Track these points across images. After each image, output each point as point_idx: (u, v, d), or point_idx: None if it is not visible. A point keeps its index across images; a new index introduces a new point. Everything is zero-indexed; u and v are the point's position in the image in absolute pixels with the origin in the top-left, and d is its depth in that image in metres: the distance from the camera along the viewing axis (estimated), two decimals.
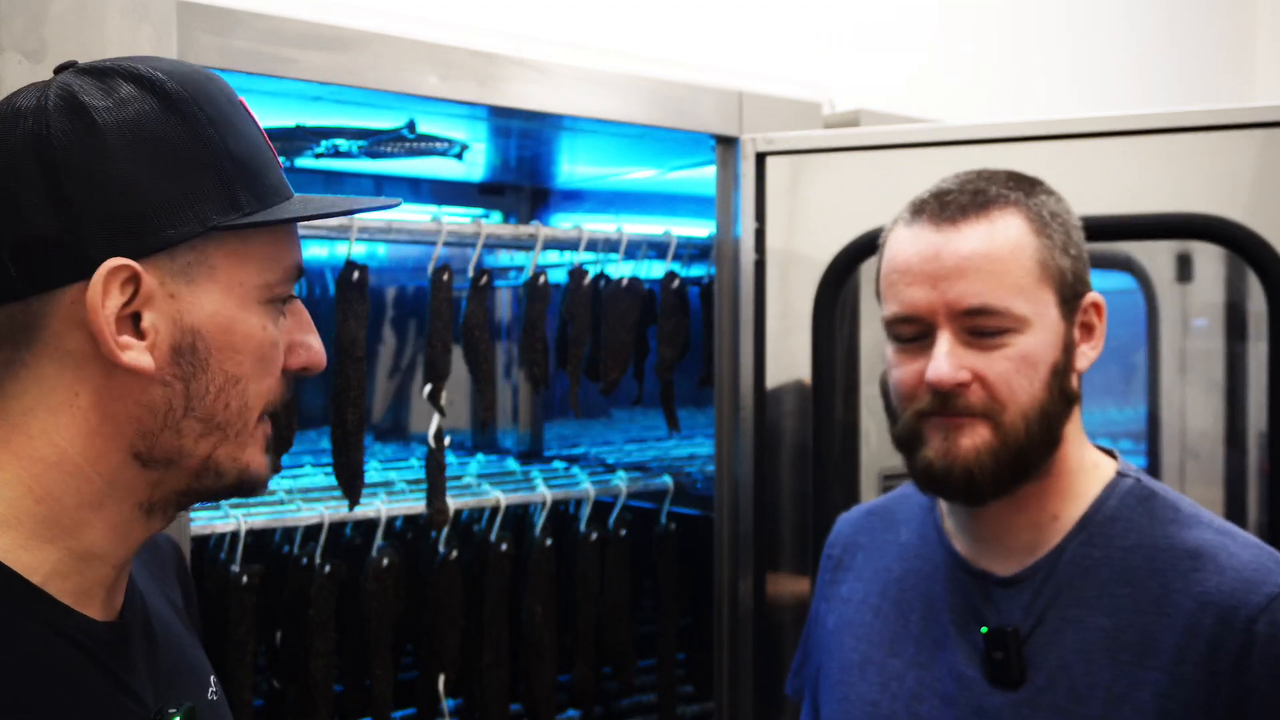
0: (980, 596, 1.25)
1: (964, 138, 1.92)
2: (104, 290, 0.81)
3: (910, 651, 1.29)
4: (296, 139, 2.01)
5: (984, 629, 1.23)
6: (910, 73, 2.68)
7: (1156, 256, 2.19)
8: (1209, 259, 2.12)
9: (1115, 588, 1.19)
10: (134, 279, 0.82)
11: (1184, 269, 2.19)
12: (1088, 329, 1.23)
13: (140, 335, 0.83)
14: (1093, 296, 1.23)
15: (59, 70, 0.88)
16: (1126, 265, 2.22)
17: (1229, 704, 1.12)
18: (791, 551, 2.10)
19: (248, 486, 0.92)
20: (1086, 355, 1.23)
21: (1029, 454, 1.19)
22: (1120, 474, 1.25)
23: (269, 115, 1.95)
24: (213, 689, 1.00)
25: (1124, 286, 2.26)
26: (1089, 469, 1.26)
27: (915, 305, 1.20)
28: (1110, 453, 1.29)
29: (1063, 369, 1.21)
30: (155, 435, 0.85)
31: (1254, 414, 2.05)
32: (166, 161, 0.84)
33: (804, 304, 1.98)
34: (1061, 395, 1.21)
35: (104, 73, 0.86)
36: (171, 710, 0.89)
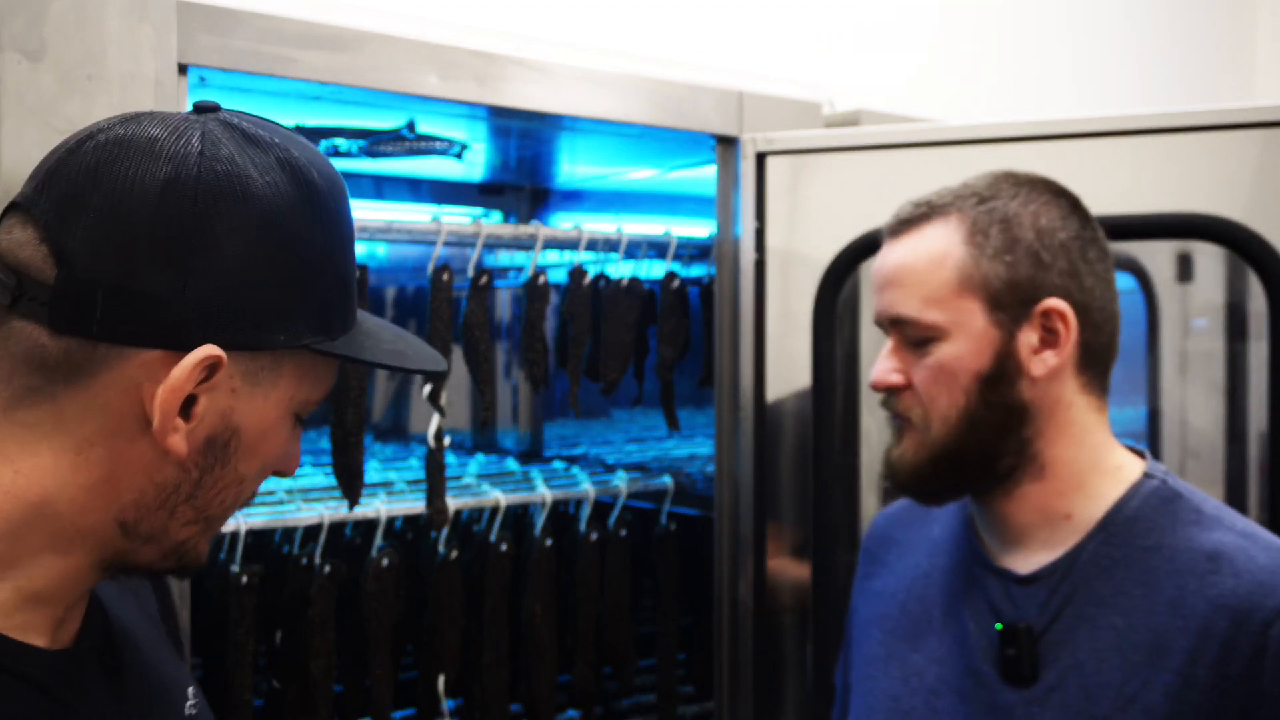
0: (999, 593, 1.26)
1: (964, 138, 1.92)
2: (188, 372, 0.78)
3: (931, 646, 1.30)
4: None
5: (998, 625, 1.23)
6: (910, 73, 2.68)
7: (1156, 256, 2.19)
8: (1209, 259, 2.12)
9: (1131, 588, 1.19)
10: (213, 368, 0.80)
11: (1184, 269, 2.19)
12: (1051, 334, 1.22)
13: (187, 419, 0.81)
14: (1050, 302, 1.21)
15: (202, 109, 0.84)
16: (1126, 265, 2.22)
17: (1240, 708, 1.12)
18: (791, 552, 2.10)
19: (190, 572, 0.89)
20: (1046, 362, 1.22)
21: (953, 459, 1.23)
22: (1146, 475, 1.25)
23: (269, 115, 1.94)
24: (191, 702, 0.97)
25: (1124, 286, 2.25)
26: (1108, 470, 1.25)
27: (874, 311, 1.29)
28: (1141, 454, 1.29)
29: (993, 377, 1.21)
30: (149, 510, 0.83)
31: (1254, 414, 2.05)
32: (291, 268, 0.82)
33: (804, 304, 1.98)
34: (993, 404, 1.21)
35: (259, 143, 0.83)
36: None
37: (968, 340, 1.21)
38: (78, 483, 0.81)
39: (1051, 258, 1.22)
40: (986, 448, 1.23)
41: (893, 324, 1.26)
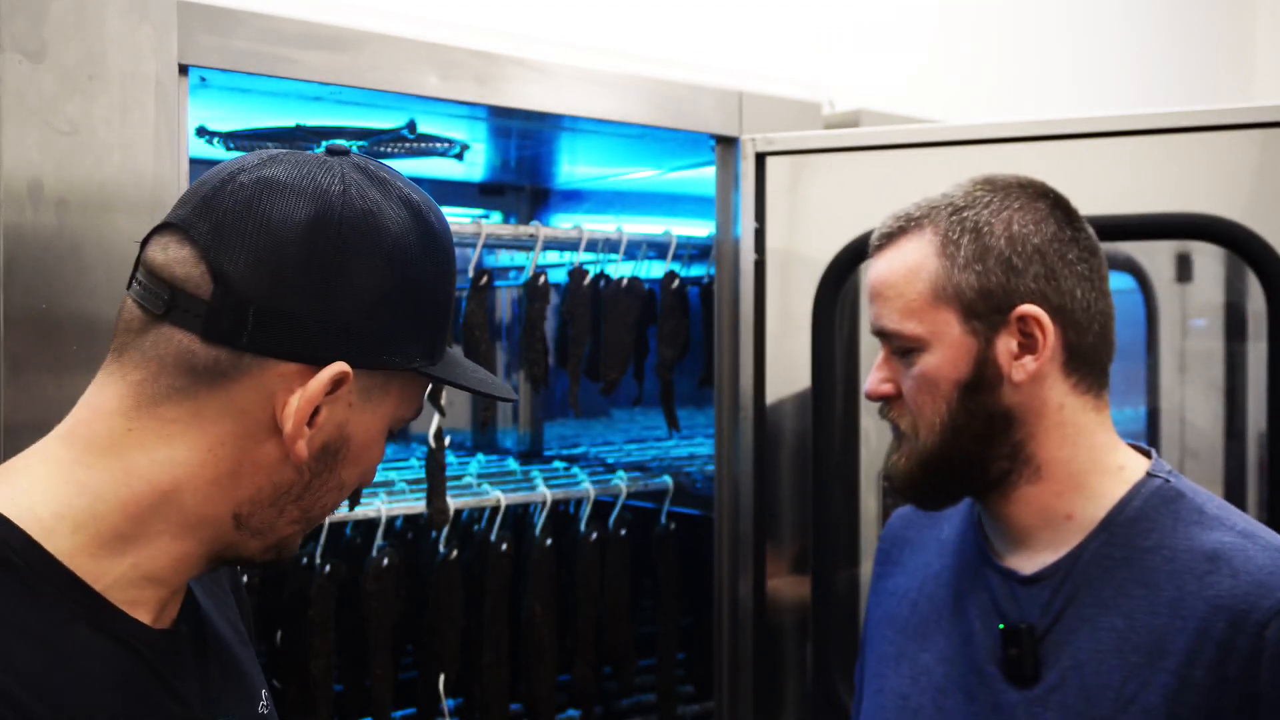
0: (1003, 593, 1.26)
1: (964, 138, 1.92)
2: (323, 385, 0.88)
3: (940, 645, 1.31)
4: (296, 139, 2.01)
5: (1000, 625, 1.24)
6: (910, 73, 2.68)
7: (1156, 256, 2.19)
8: (1209, 259, 2.12)
9: (1131, 588, 1.19)
10: (338, 382, 0.89)
11: (1184, 269, 2.19)
12: (1030, 339, 1.23)
13: (310, 426, 0.89)
14: (1025, 309, 1.22)
15: (335, 152, 0.94)
16: (1126, 265, 2.22)
17: (1237, 709, 1.12)
18: (791, 552, 2.11)
19: (276, 567, 1.03)
20: (1026, 367, 1.22)
21: (941, 466, 1.25)
22: (1150, 474, 1.25)
23: (269, 115, 1.95)
24: (264, 703, 1.03)
25: (1124, 286, 2.25)
26: (1109, 471, 1.26)
27: (870, 324, 1.32)
28: (1146, 452, 1.29)
29: (973, 385, 1.23)
30: (262, 507, 0.91)
31: (1254, 414, 2.05)
32: (411, 296, 0.91)
33: (804, 304, 1.98)
34: (975, 411, 1.23)
35: (386, 185, 0.92)
36: (224, 719, 0.93)
37: (946, 350, 1.23)
38: (205, 476, 0.89)
39: (1024, 264, 1.22)
40: (974, 454, 1.24)
41: (880, 336, 1.29)
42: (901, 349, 1.26)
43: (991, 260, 1.22)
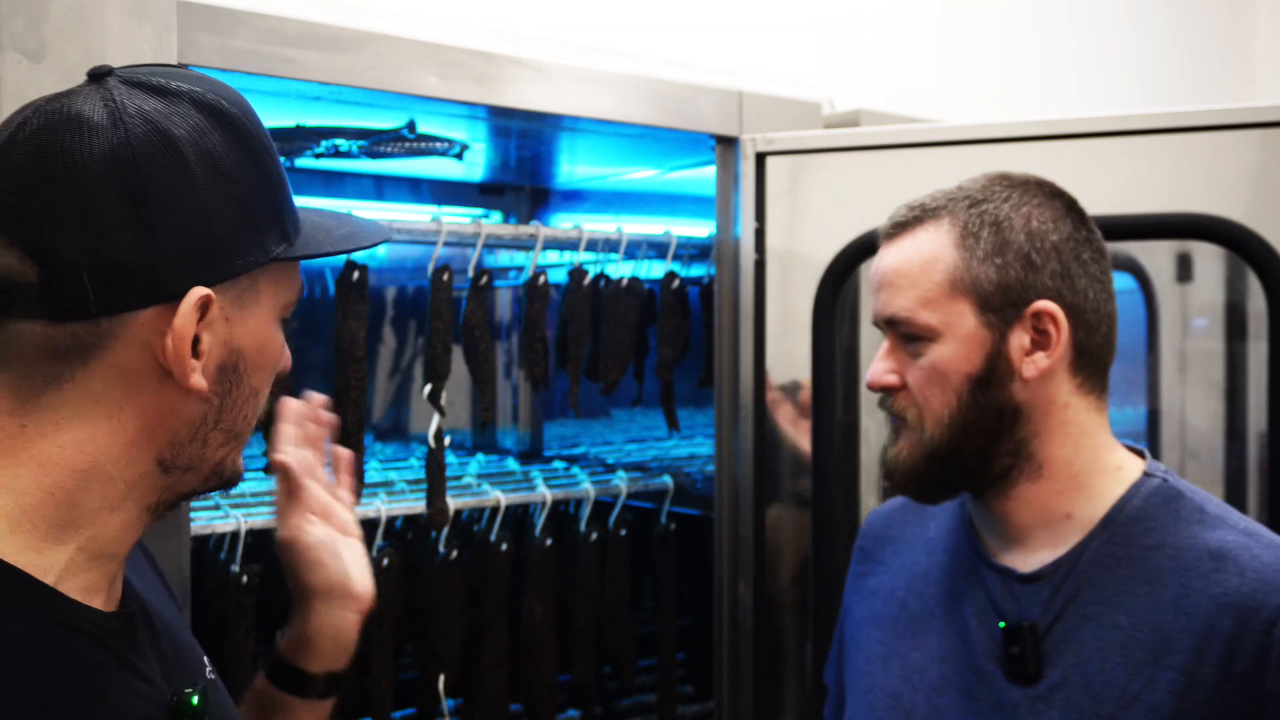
0: (1002, 591, 1.26)
1: (964, 138, 1.92)
2: (187, 317, 0.85)
3: (933, 644, 1.30)
4: (296, 139, 2.01)
5: (1001, 624, 1.23)
6: (910, 72, 2.68)
7: (1156, 256, 2.19)
8: (1209, 259, 2.12)
9: (1135, 586, 1.20)
10: (205, 305, 0.87)
11: (1184, 269, 2.19)
12: (1043, 336, 1.23)
13: (197, 357, 0.88)
14: (1041, 305, 1.22)
15: (96, 76, 0.88)
16: (1126, 265, 2.22)
17: (1245, 707, 1.12)
18: (791, 552, 2.10)
19: (234, 484, 0.98)
20: (1037, 363, 1.22)
21: (948, 459, 1.25)
22: (1147, 474, 1.26)
23: (269, 115, 1.94)
24: (209, 669, 1.03)
25: (1124, 286, 2.25)
26: (1108, 470, 1.26)
27: (872, 313, 1.31)
28: (1141, 453, 1.29)
29: (984, 379, 1.22)
30: (184, 445, 0.90)
31: (1254, 414, 2.05)
32: (239, 193, 0.88)
33: (804, 304, 1.98)
34: (985, 405, 1.22)
35: (166, 93, 0.87)
36: (188, 690, 0.92)
37: (959, 342, 1.23)
38: (117, 443, 0.88)
39: (1043, 260, 1.22)
40: (980, 448, 1.24)
41: (888, 324, 1.27)
42: (910, 338, 1.25)
43: (1011, 254, 1.22)
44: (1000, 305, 1.22)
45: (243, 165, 0.89)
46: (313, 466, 1.23)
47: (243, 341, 0.91)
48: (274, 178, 0.92)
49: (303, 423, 1.23)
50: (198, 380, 0.87)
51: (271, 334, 0.94)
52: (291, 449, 1.21)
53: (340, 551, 1.20)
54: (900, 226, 1.28)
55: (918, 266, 1.24)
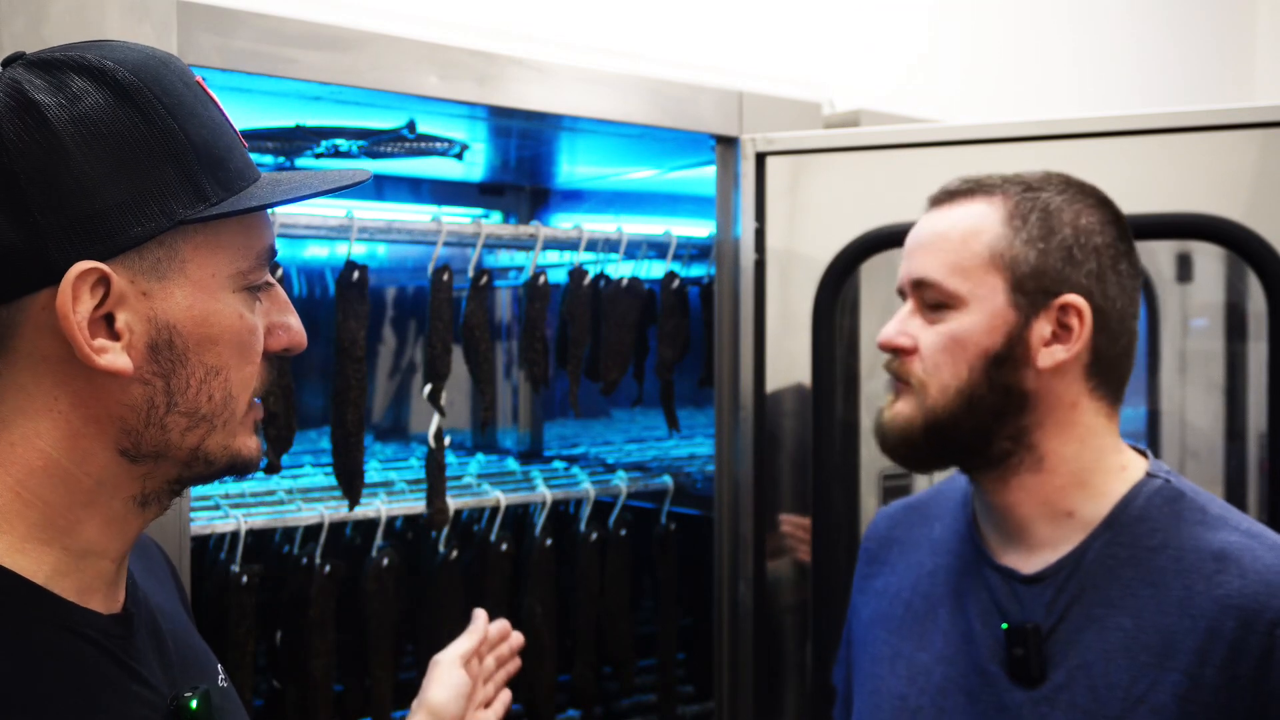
0: (1005, 592, 1.26)
1: (964, 138, 1.92)
2: (73, 295, 0.80)
3: (938, 646, 1.30)
4: (296, 139, 2.01)
5: (1004, 625, 1.23)
6: (910, 73, 2.68)
7: (1156, 256, 2.19)
8: (1209, 259, 2.12)
9: (1138, 588, 1.20)
10: (104, 281, 0.81)
11: (1184, 269, 2.19)
12: (1065, 329, 1.23)
13: (115, 336, 0.82)
14: (1070, 297, 1.22)
15: (7, 63, 0.85)
16: None
17: (1249, 708, 1.12)
18: (791, 552, 2.10)
19: (239, 469, 0.91)
20: (1054, 355, 1.23)
21: (945, 431, 1.24)
22: (1150, 474, 1.26)
23: (269, 115, 1.95)
24: (222, 676, 1.01)
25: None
26: (1112, 469, 1.26)
27: (899, 276, 1.31)
28: (1144, 453, 1.30)
29: (1000, 358, 1.22)
30: (140, 432, 0.85)
31: (1254, 414, 2.05)
32: (125, 157, 0.81)
33: (804, 304, 1.98)
34: (994, 384, 1.23)
35: (53, 65, 0.82)
36: (187, 694, 0.90)
37: (983, 315, 1.23)
38: (64, 435, 0.84)
39: (1083, 257, 1.23)
40: (979, 427, 1.24)
41: (915, 287, 1.28)
42: (934, 303, 1.25)
43: (1054, 243, 1.23)
44: (1032, 290, 1.23)
45: (133, 128, 0.82)
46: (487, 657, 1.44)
47: (172, 316, 0.84)
48: (184, 138, 0.84)
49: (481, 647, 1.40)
50: (109, 361, 0.81)
51: (214, 306, 0.85)
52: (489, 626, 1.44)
53: (465, 702, 1.38)
54: (950, 195, 1.29)
55: (960, 234, 1.25)
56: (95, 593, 0.87)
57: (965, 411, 1.24)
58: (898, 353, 1.28)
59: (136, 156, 0.82)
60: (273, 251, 0.91)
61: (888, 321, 1.30)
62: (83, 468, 0.84)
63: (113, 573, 0.89)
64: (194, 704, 0.89)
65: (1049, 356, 1.23)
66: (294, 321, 0.92)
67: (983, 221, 1.25)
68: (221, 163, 0.86)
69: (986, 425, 1.24)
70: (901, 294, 1.31)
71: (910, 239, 1.31)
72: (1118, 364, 1.27)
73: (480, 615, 1.47)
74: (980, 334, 1.23)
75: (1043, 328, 1.23)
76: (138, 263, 0.82)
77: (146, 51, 0.86)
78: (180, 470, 0.88)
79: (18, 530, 0.84)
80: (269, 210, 0.90)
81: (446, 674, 1.41)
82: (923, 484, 1.93)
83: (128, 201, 0.81)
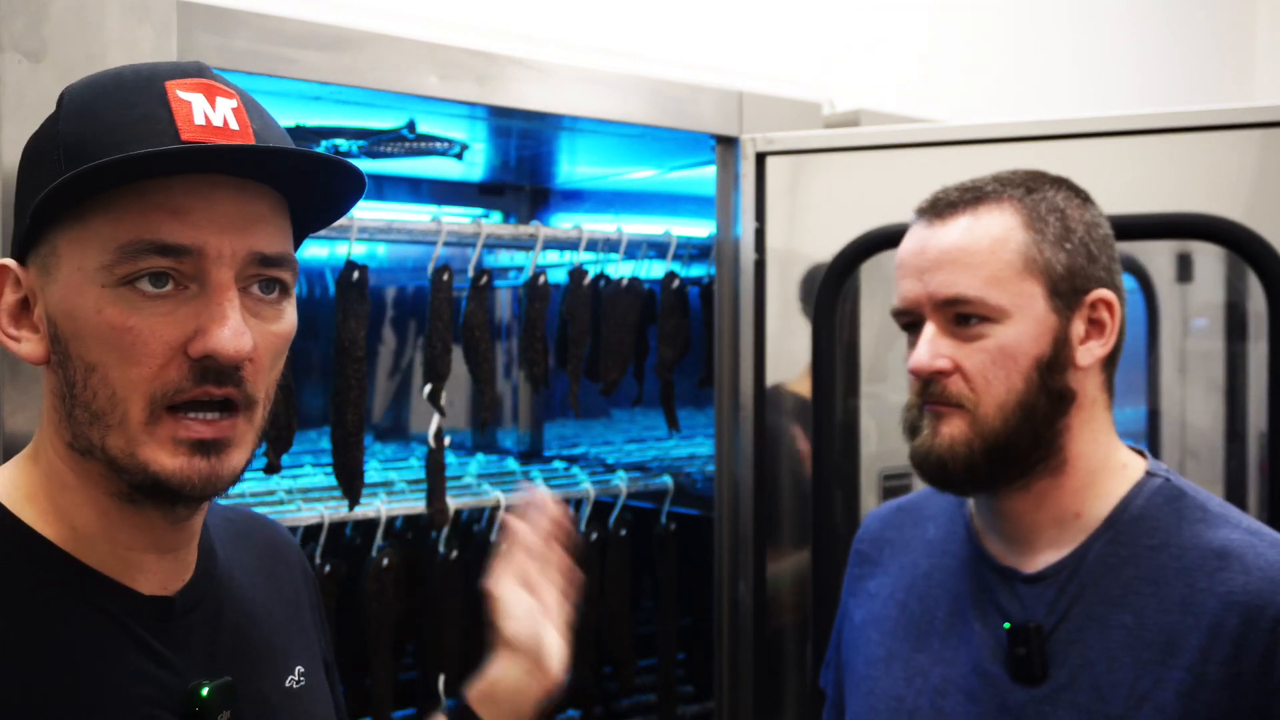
0: (1005, 592, 1.26)
1: (964, 138, 1.92)
2: (0, 289, 0.89)
3: (935, 646, 1.30)
4: (296, 139, 2.01)
5: (1006, 625, 1.23)
6: (910, 72, 2.68)
7: (1156, 256, 2.19)
8: (1209, 259, 2.12)
9: (1140, 586, 1.20)
10: (15, 278, 0.89)
11: (1184, 269, 2.19)
12: (1097, 325, 1.23)
13: (34, 329, 0.89)
14: (1100, 293, 1.23)
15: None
16: (1127, 265, 2.21)
17: (1253, 705, 1.12)
18: (791, 552, 2.10)
19: (161, 489, 0.86)
20: (1092, 352, 1.23)
21: (1007, 447, 1.21)
22: (1149, 473, 1.26)
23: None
24: (295, 679, 1.02)
25: (1125, 286, 2.25)
26: (1115, 468, 1.26)
27: (906, 297, 1.25)
28: (1141, 453, 1.29)
29: (1050, 363, 1.21)
30: (66, 424, 0.88)
31: (1254, 414, 2.05)
32: (25, 165, 0.90)
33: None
34: (1048, 390, 1.21)
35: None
36: (202, 682, 0.91)
37: (1029, 324, 1.21)
38: (47, 422, 0.91)
39: (1098, 251, 1.24)
40: (1037, 435, 1.21)
41: (943, 305, 1.22)
42: (969, 319, 1.21)
43: (1075, 241, 1.22)
44: (1066, 291, 1.22)
45: (39, 140, 0.89)
46: (539, 552, 1.29)
47: (52, 310, 0.86)
48: (58, 137, 0.86)
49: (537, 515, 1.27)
50: (20, 349, 0.89)
51: (77, 301, 0.84)
52: (523, 527, 1.26)
53: (539, 620, 1.27)
54: (953, 207, 1.24)
55: (988, 245, 1.21)
56: (141, 572, 0.91)
57: (1024, 423, 1.20)
58: (936, 376, 1.22)
59: (29, 164, 0.89)
60: (152, 245, 0.84)
61: (912, 348, 1.25)
62: (57, 455, 0.90)
63: (152, 561, 0.92)
64: (204, 692, 0.90)
65: (1088, 354, 1.23)
66: (215, 329, 0.84)
67: (1003, 229, 1.21)
68: (86, 154, 0.83)
69: (1040, 433, 1.21)
70: (902, 315, 1.26)
71: (913, 257, 1.25)
72: (1117, 355, 1.27)
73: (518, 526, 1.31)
74: (1029, 343, 1.20)
75: (1078, 327, 1.23)
76: (36, 259, 0.88)
77: (118, 69, 0.91)
78: (116, 476, 0.87)
79: (40, 503, 0.90)
80: (168, 199, 0.85)
81: (512, 602, 1.30)
82: (923, 484, 1.93)
83: (20, 205, 0.90)
